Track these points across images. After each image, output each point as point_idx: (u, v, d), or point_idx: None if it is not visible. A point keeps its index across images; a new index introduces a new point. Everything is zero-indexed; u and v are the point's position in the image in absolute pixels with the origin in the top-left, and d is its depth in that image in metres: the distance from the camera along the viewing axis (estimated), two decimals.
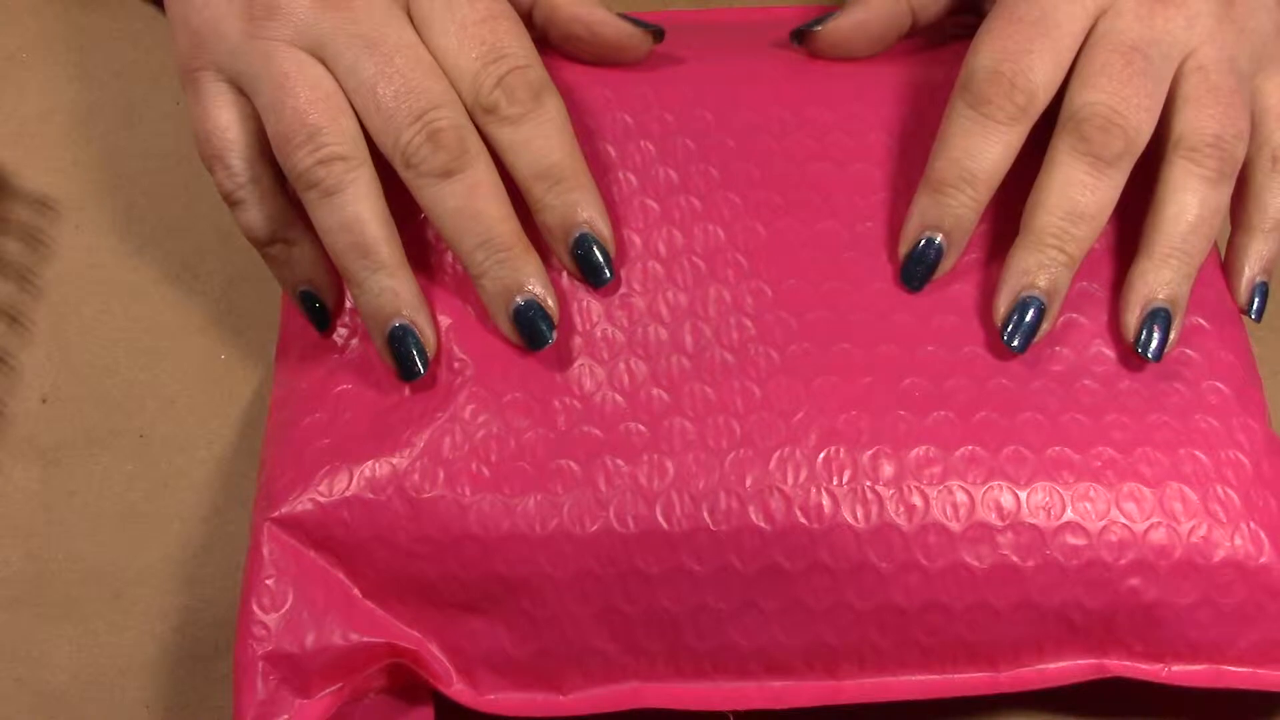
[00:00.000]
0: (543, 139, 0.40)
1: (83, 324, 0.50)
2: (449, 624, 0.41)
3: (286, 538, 0.40)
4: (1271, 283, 0.44)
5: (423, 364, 0.41)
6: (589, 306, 0.42)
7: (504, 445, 0.40)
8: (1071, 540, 0.40)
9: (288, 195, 0.43)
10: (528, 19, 0.44)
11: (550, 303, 0.41)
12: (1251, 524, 0.40)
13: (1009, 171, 0.41)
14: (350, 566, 0.41)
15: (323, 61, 0.40)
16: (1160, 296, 0.41)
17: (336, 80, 0.40)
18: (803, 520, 0.40)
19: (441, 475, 0.40)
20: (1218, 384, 0.42)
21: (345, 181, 0.40)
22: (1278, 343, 0.49)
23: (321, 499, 0.40)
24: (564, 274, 0.42)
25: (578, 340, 0.41)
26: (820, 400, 0.41)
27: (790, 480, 0.40)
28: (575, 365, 0.41)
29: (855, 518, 0.40)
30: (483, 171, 0.40)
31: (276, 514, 0.40)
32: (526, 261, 0.40)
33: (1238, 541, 0.40)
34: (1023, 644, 0.41)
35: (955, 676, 0.41)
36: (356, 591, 0.41)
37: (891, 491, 0.40)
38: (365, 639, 0.40)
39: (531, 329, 0.41)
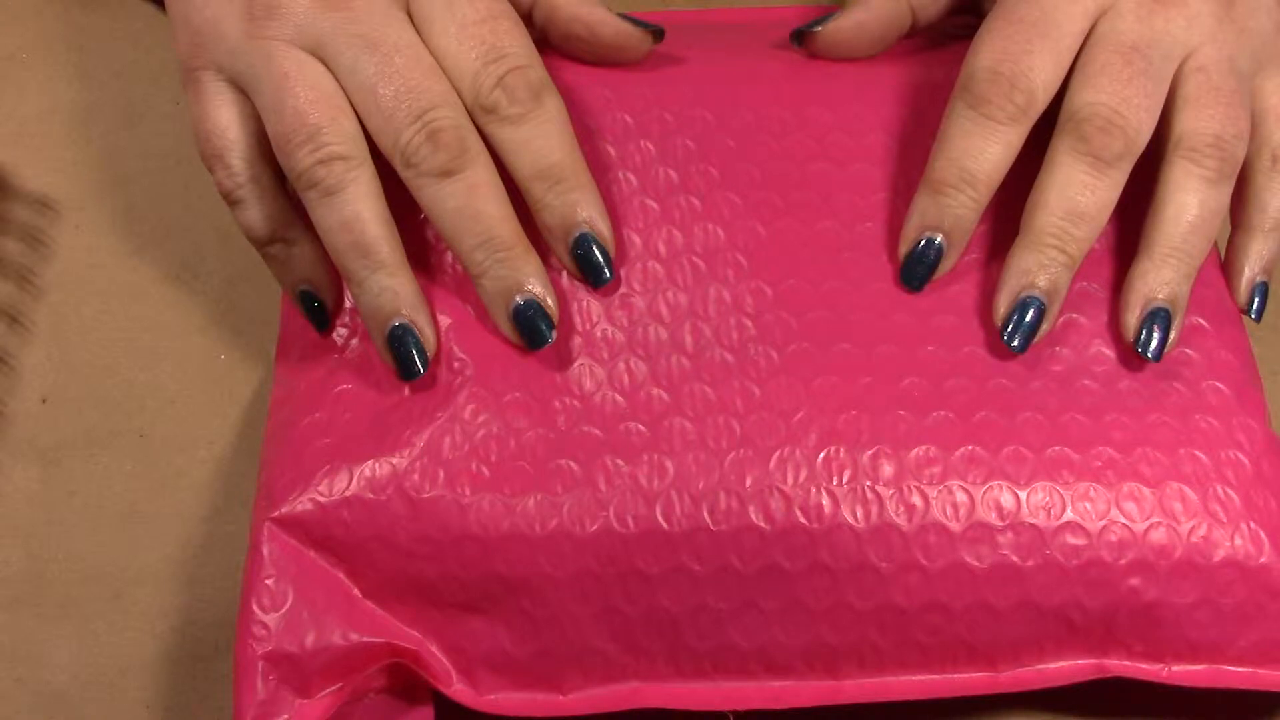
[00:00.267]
0: (543, 139, 0.40)
1: (83, 324, 0.50)
2: (449, 624, 0.41)
3: (286, 537, 0.40)
4: (1271, 283, 0.44)
5: (423, 364, 0.41)
6: (589, 306, 0.42)
7: (504, 445, 0.40)
8: (1071, 540, 0.40)
9: (287, 195, 0.43)
10: (528, 19, 0.44)
11: (550, 302, 0.41)
12: (1251, 524, 0.40)
13: (1009, 171, 0.41)
14: (350, 566, 0.41)
15: (323, 61, 0.40)
16: (1160, 296, 0.41)
17: (336, 80, 0.40)
18: (803, 520, 0.40)
19: (441, 475, 0.40)
20: (1218, 384, 0.42)
21: (345, 181, 0.40)
22: (1278, 343, 0.49)
23: (321, 499, 0.40)
24: (564, 274, 0.42)
25: (577, 340, 0.41)
26: (820, 400, 0.41)
27: (790, 480, 0.40)
28: (575, 365, 0.41)
29: (855, 518, 0.40)
30: (482, 171, 0.40)
31: (276, 514, 0.40)
32: (526, 261, 0.40)
33: (1238, 541, 0.40)
34: (1023, 644, 0.41)
35: (955, 676, 0.41)
36: (356, 591, 0.41)
37: (891, 491, 0.40)
38: (365, 639, 0.40)
39: (531, 329, 0.41)
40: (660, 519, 0.40)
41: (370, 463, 0.40)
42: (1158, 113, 0.41)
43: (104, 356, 0.49)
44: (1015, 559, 0.40)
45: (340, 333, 0.43)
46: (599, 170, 0.42)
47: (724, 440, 0.40)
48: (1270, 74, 0.43)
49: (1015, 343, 0.41)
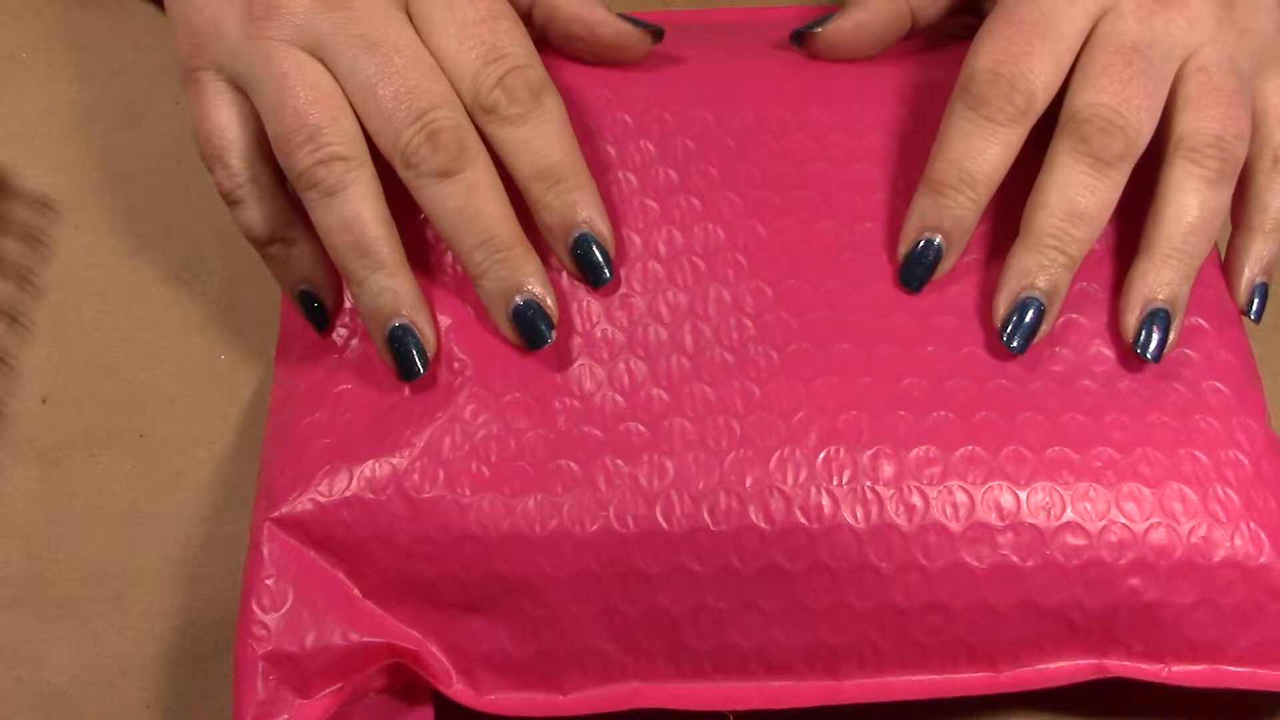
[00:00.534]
0: (542, 139, 0.40)
1: (83, 324, 0.50)
2: (449, 624, 0.41)
3: (286, 537, 0.40)
4: (1271, 283, 0.44)
5: (423, 364, 0.41)
6: (589, 306, 0.42)
7: (504, 445, 0.40)
8: (1071, 540, 0.40)
9: (287, 195, 0.43)
10: (527, 19, 0.44)
11: (550, 303, 0.41)
12: (1251, 524, 0.40)
13: (1009, 172, 0.41)
14: (350, 566, 0.41)
15: (322, 61, 0.40)
16: (1160, 297, 0.41)
17: (336, 80, 0.40)
18: (803, 520, 0.40)
19: (441, 475, 0.40)
20: (1217, 384, 0.42)
21: (345, 181, 0.40)
22: (1278, 343, 0.49)
23: (321, 499, 0.40)
24: (564, 274, 0.42)
25: (577, 340, 0.41)
26: (820, 400, 0.41)
27: (790, 480, 0.40)
28: (575, 365, 0.41)
29: (855, 518, 0.40)
30: (482, 171, 0.40)
31: (277, 514, 0.40)
32: (526, 261, 0.40)
33: (1238, 541, 0.40)
34: (1023, 644, 0.41)
35: (955, 676, 0.41)
36: (356, 591, 0.41)
37: (891, 491, 0.40)
38: (365, 639, 0.40)
39: (531, 329, 0.41)
40: (660, 519, 0.40)
41: (370, 463, 0.40)
42: (1158, 113, 0.41)
43: (104, 356, 0.49)
44: (1015, 559, 0.40)
45: (340, 333, 0.43)
46: (599, 170, 0.42)
47: (724, 440, 0.40)
48: (1271, 75, 0.43)
49: (1015, 343, 0.41)
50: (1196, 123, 0.41)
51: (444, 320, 0.42)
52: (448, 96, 0.40)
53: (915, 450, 0.40)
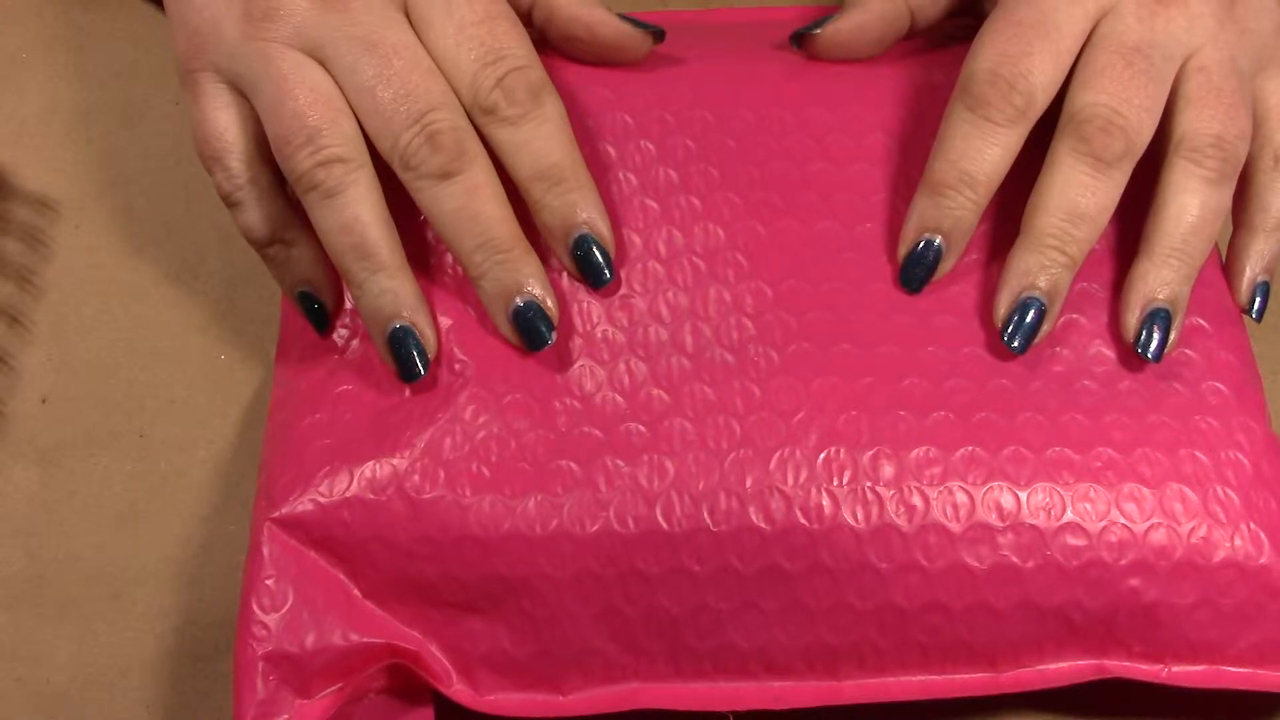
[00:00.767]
0: (542, 139, 0.40)
1: (83, 324, 0.50)
2: (449, 624, 0.41)
3: (287, 538, 0.40)
4: (1273, 282, 0.44)
5: (423, 365, 0.41)
6: (589, 307, 0.42)
7: (504, 446, 0.40)
8: (1071, 541, 0.40)
9: (286, 196, 0.43)
10: (527, 19, 0.44)
11: (550, 304, 0.41)
12: (1251, 525, 0.40)
13: (1009, 172, 0.41)
14: (350, 567, 0.41)
15: (322, 63, 0.40)
16: (1160, 297, 0.41)
17: (335, 82, 0.40)
18: (803, 521, 0.40)
19: (442, 476, 0.40)
20: (1218, 384, 0.42)
21: (345, 183, 0.40)
22: (1278, 342, 0.49)
23: (322, 499, 0.40)
24: (564, 275, 0.42)
25: (578, 341, 0.41)
26: (820, 400, 0.41)
27: (790, 480, 0.40)
28: (575, 366, 0.41)
29: (855, 518, 0.40)
30: (481, 173, 0.40)
31: (277, 514, 0.40)
32: (526, 263, 0.40)
33: (1238, 542, 0.40)
34: (1023, 644, 0.41)
35: (955, 677, 0.41)
36: (357, 591, 0.41)
37: (892, 492, 0.40)
38: (365, 639, 0.40)
39: (531, 330, 0.41)
40: (660, 519, 0.40)
41: (371, 463, 0.40)
42: (1159, 113, 0.41)
43: (104, 356, 0.49)
44: (1015, 559, 0.40)
45: (340, 333, 0.43)
46: (599, 170, 0.42)
47: (724, 441, 0.40)
48: (1271, 74, 0.43)
49: (1015, 343, 0.41)
50: (1197, 123, 0.41)
51: (444, 321, 0.42)
52: (447, 98, 0.40)
53: (915, 451, 0.40)
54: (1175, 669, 0.41)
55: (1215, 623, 0.40)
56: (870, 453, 0.40)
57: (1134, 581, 0.40)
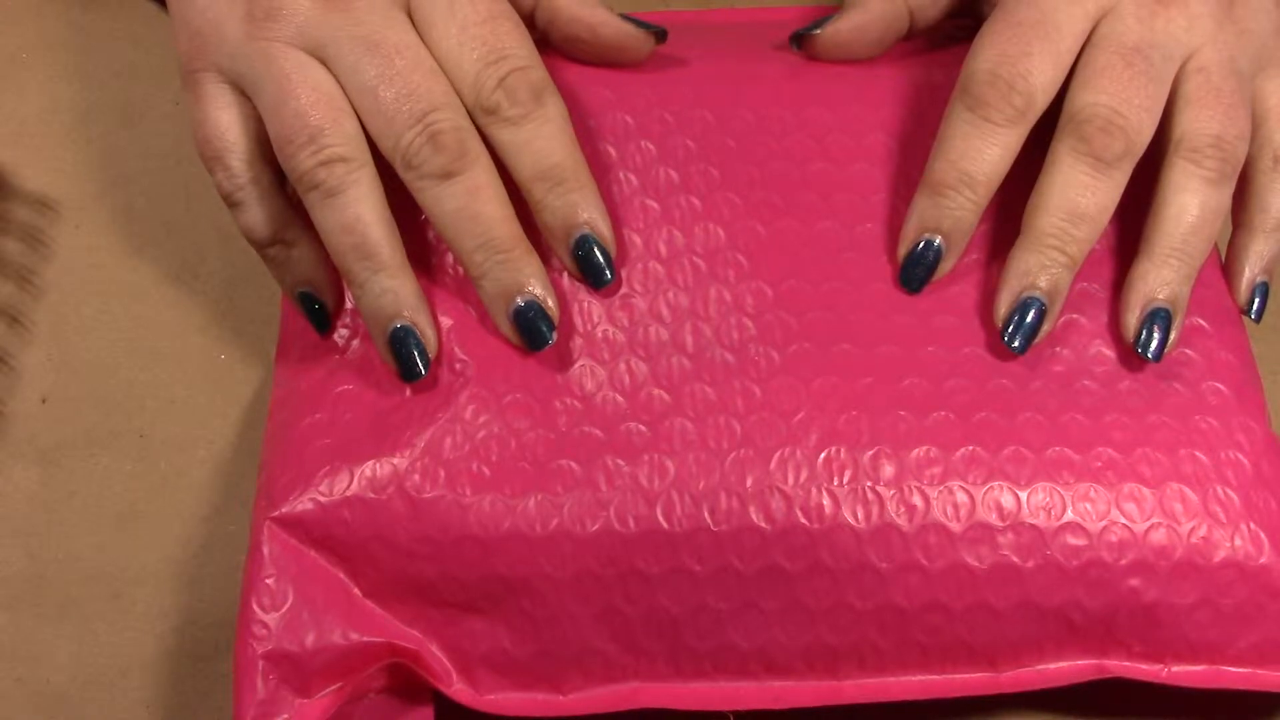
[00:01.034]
0: (543, 140, 0.40)
1: (83, 324, 0.50)
2: (449, 624, 0.41)
3: (287, 537, 0.40)
4: (1272, 282, 0.44)
5: (424, 365, 0.41)
6: (589, 307, 0.42)
7: (505, 445, 0.40)
8: (1072, 540, 0.40)
9: (287, 196, 0.43)
10: (529, 20, 0.44)
11: (550, 304, 0.41)
12: (1251, 524, 0.40)
13: (1009, 172, 0.41)
14: (351, 566, 0.41)
15: (324, 63, 0.40)
16: (1160, 297, 0.41)
17: (338, 81, 0.40)
18: (803, 520, 0.40)
19: (442, 475, 0.40)
20: (1218, 384, 0.42)
21: (347, 183, 0.40)
22: (1278, 342, 0.49)
23: (322, 498, 0.40)
24: (564, 274, 0.42)
25: (578, 341, 0.41)
26: (821, 400, 0.41)
27: (791, 480, 0.40)
28: (576, 366, 0.41)
29: (856, 518, 0.40)
30: (483, 173, 0.40)
31: (277, 513, 0.40)
32: (527, 263, 0.40)
33: (1238, 542, 0.40)
34: (1023, 644, 0.41)
35: (955, 676, 0.41)
36: (357, 591, 0.41)
37: (892, 492, 0.40)
38: (365, 639, 0.40)
39: (532, 330, 0.41)
40: (661, 519, 0.40)
41: (371, 463, 0.40)
42: (1159, 114, 0.41)
43: (104, 356, 0.49)
44: (1015, 559, 0.40)
45: (341, 333, 0.43)
46: (599, 171, 0.42)
47: (724, 440, 0.40)
48: (1271, 75, 0.43)
49: (1016, 343, 0.41)
50: (1196, 123, 0.41)
51: (445, 321, 0.42)
52: (449, 98, 0.40)
53: (916, 450, 0.40)
54: (1175, 669, 0.41)
55: (1215, 623, 0.40)
56: (870, 452, 0.40)
57: (1134, 581, 0.40)
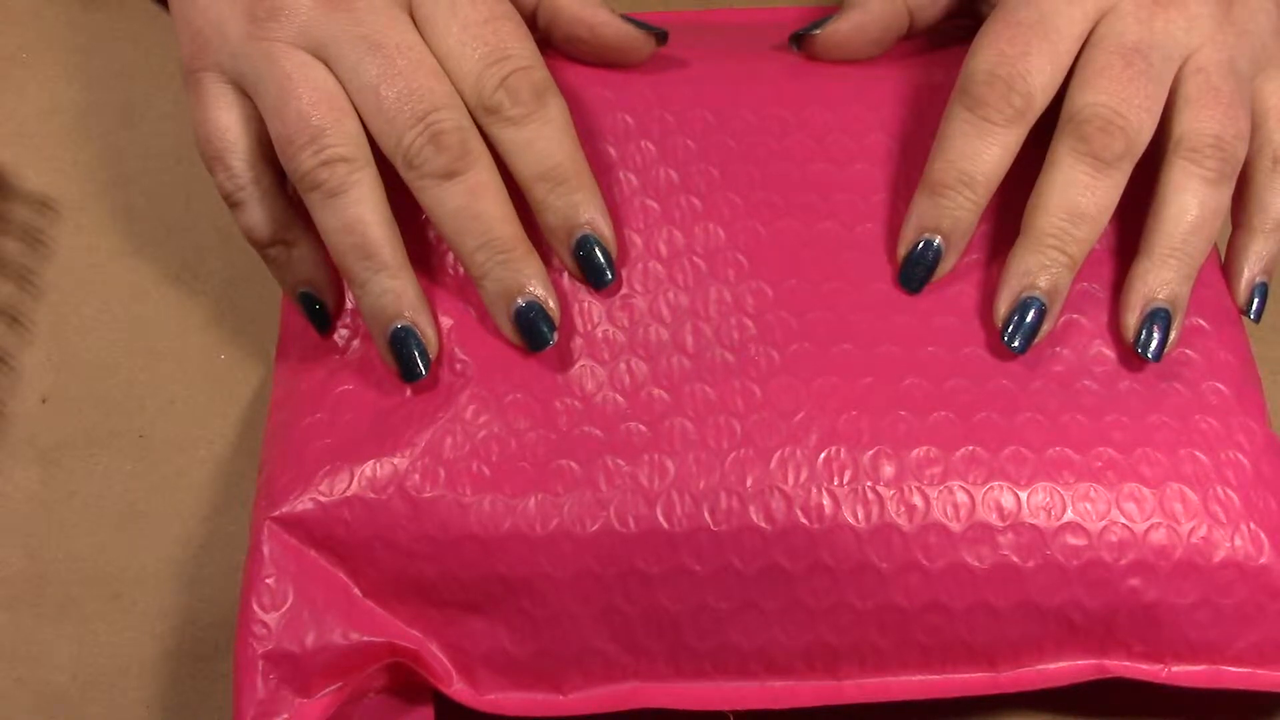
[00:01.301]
0: (545, 140, 0.40)
1: (83, 324, 0.50)
2: (449, 624, 0.41)
3: (287, 537, 0.40)
4: (1271, 283, 0.44)
5: (424, 365, 0.41)
6: (590, 307, 0.42)
7: (505, 445, 0.40)
8: (1072, 540, 0.40)
9: (288, 196, 0.43)
10: (531, 20, 0.44)
11: (551, 304, 0.41)
12: (1251, 525, 0.40)
13: (1010, 173, 0.41)
14: (351, 566, 0.41)
15: (325, 63, 0.40)
16: (1160, 297, 0.41)
17: (339, 81, 0.40)
18: (803, 520, 0.40)
19: (442, 475, 0.40)
20: (1217, 384, 0.42)
21: (348, 183, 0.40)
22: (1278, 342, 0.49)
23: (322, 498, 0.40)
24: (565, 274, 0.42)
25: (578, 341, 0.41)
26: (821, 400, 0.41)
27: (791, 480, 0.40)
28: (576, 366, 0.41)
29: (856, 518, 0.40)
30: (484, 173, 0.40)
31: (277, 513, 0.40)
32: (528, 263, 0.40)
33: (1238, 542, 0.40)
34: (1023, 644, 0.41)
35: (955, 676, 0.41)
36: (357, 591, 0.41)
37: (892, 492, 0.40)
38: (365, 638, 0.40)
39: (532, 330, 0.41)
40: (661, 519, 0.40)
41: (371, 463, 0.40)
42: (1158, 114, 0.41)
43: (104, 356, 0.49)
44: (1015, 559, 0.40)
45: (341, 333, 0.43)
46: (600, 170, 0.42)
47: (725, 440, 0.40)
48: (1270, 75, 0.43)
49: (1016, 343, 0.41)
50: (1196, 123, 0.41)
51: (445, 321, 0.42)
52: (451, 98, 0.40)
53: (916, 450, 0.40)
54: (1175, 669, 0.41)
55: (1215, 623, 0.40)
56: (870, 452, 0.40)
57: (1134, 581, 0.40)
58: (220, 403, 0.48)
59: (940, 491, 0.40)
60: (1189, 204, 0.41)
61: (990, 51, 0.41)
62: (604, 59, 0.45)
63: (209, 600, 0.45)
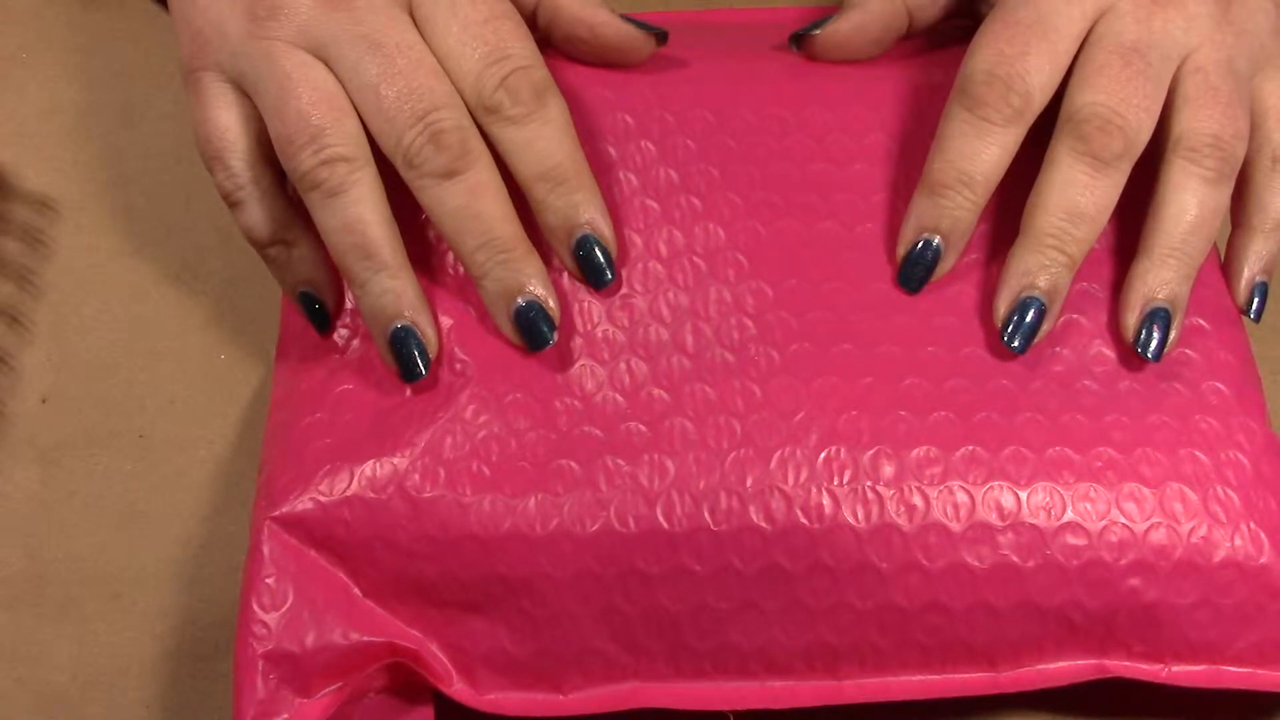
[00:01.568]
0: (545, 140, 0.40)
1: (83, 324, 0.50)
2: (449, 623, 0.41)
3: (287, 537, 0.40)
4: (1271, 283, 0.44)
5: (424, 365, 0.41)
6: (590, 307, 0.42)
7: (505, 445, 0.40)
8: (1072, 540, 0.40)
9: (288, 196, 0.43)
10: (531, 20, 0.44)
11: (551, 304, 0.41)
12: (1251, 524, 0.40)
13: (1010, 173, 0.41)
14: (351, 566, 0.41)
15: (325, 62, 0.40)
16: (1160, 296, 0.41)
17: (339, 81, 0.40)
18: (803, 520, 0.40)
19: (442, 475, 0.40)
20: (1218, 384, 0.42)
21: (348, 183, 0.40)
22: (1278, 342, 0.49)
23: (322, 498, 0.40)
24: (565, 274, 0.42)
25: (578, 341, 0.41)
26: (821, 400, 0.41)
27: (791, 480, 0.40)
28: (576, 366, 0.41)
29: (856, 518, 0.40)
30: (484, 172, 0.40)
31: (277, 513, 0.40)
32: (528, 263, 0.40)
33: (1238, 542, 0.40)
34: (1023, 644, 0.41)
35: (955, 676, 0.41)
36: (357, 591, 0.41)
37: (892, 492, 0.40)
38: (365, 638, 0.40)
39: (532, 330, 0.41)
40: (661, 519, 0.40)
41: (371, 462, 0.40)
42: (1157, 113, 0.41)
43: (104, 356, 0.49)
44: (1015, 559, 0.40)
45: (341, 333, 0.43)
46: (600, 170, 0.42)
47: (725, 440, 0.40)
48: (1269, 74, 0.43)
49: (1016, 343, 0.41)
50: (1194, 122, 0.41)
51: (445, 321, 0.42)
52: (451, 97, 0.40)
53: (916, 450, 0.40)
54: (1175, 669, 0.41)
55: (1215, 623, 0.40)
56: (870, 452, 0.40)
57: (1134, 581, 0.40)
58: (220, 403, 0.48)
59: (940, 491, 0.40)
60: (1188, 203, 0.41)
61: (989, 51, 0.41)
62: (604, 59, 0.45)
63: (209, 600, 0.45)
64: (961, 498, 0.40)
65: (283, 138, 0.40)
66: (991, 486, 0.40)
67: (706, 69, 0.45)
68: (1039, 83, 0.41)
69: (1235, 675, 0.41)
